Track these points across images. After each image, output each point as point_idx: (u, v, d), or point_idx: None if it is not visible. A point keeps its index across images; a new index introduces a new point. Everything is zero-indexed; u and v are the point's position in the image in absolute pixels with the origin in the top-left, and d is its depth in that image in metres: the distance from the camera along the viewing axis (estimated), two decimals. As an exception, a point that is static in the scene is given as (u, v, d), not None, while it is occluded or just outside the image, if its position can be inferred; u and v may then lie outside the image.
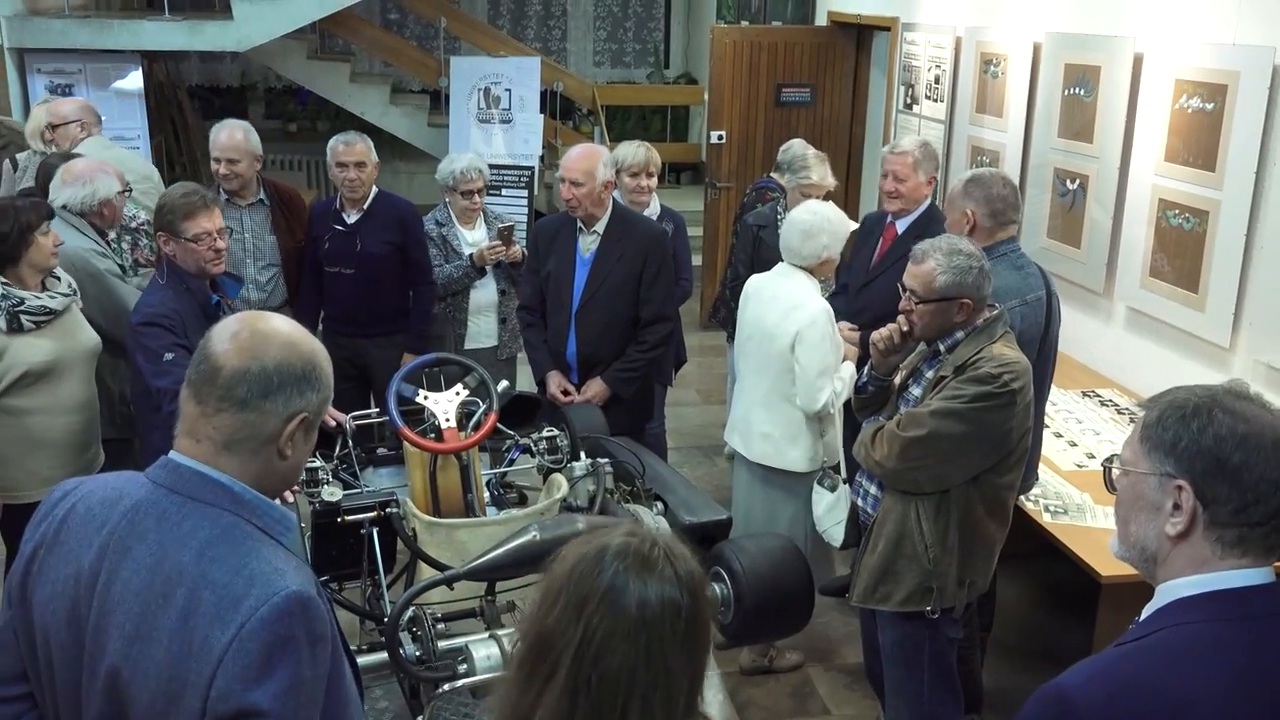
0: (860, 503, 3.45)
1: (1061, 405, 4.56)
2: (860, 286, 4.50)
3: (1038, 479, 3.84)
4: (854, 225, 4.11)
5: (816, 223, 3.95)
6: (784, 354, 3.92)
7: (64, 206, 4.09)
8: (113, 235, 4.24)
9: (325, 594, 1.63)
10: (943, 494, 3.11)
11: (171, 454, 1.65)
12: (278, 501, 1.73)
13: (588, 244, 4.35)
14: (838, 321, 4.40)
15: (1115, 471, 1.66)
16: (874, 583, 3.22)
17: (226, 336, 1.65)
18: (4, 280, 3.53)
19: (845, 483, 3.89)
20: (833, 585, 4.24)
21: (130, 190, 4.26)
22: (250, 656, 1.49)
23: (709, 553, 3.21)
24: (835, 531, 3.87)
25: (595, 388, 4.30)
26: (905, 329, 3.20)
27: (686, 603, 1.48)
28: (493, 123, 9.14)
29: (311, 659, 1.54)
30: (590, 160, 4.25)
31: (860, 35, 8.18)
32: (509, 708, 1.51)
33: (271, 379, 1.61)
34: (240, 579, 1.53)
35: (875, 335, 3.28)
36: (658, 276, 4.33)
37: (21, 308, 3.53)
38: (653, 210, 5.15)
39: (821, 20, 8.46)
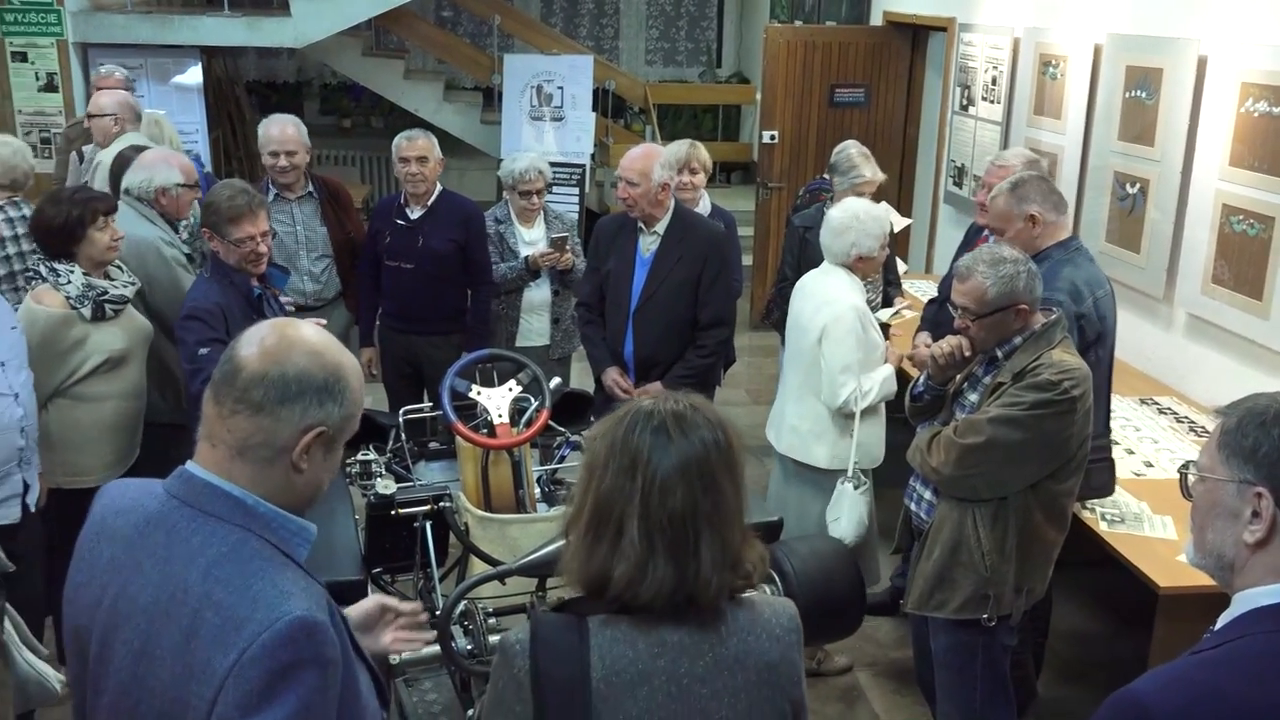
0: (914, 508, 3.42)
1: (1119, 413, 4.49)
2: (946, 298, 4.43)
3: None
4: (907, 221, 4.04)
5: (846, 220, 3.96)
6: (813, 348, 3.94)
7: (127, 191, 4.20)
8: (184, 229, 4.31)
9: (340, 617, 1.60)
10: (1000, 500, 3.08)
11: (188, 464, 1.62)
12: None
13: (647, 244, 4.36)
14: (921, 330, 4.36)
15: (1192, 478, 1.63)
16: (929, 589, 3.19)
17: (255, 340, 1.61)
18: (84, 271, 3.60)
19: (855, 487, 3.87)
20: (876, 602, 4.21)
21: (195, 185, 4.32)
22: (251, 683, 1.43)
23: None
24: (833, 528, 3.86)
25: (654, 390, 4.30)
26: (967, 353, 3.17)
27: (721, 436, 1.71)
28: (544, 120, 9.17)
29: (319, 685, 1.48)
30: (647, 161, 4.24)
31: (916, 36, 8.11)
32: (584, 569, 1.69)
33: (290, 385, 1.56)
34: (244, 601, 1.48)
35: (935, 349, 3.25)
36: (716, 279, 4.32)
37: (105, 297, 3.61)
38: (702, 209, 5.13)
39: (876, 20, 8.39)
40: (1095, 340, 3.48)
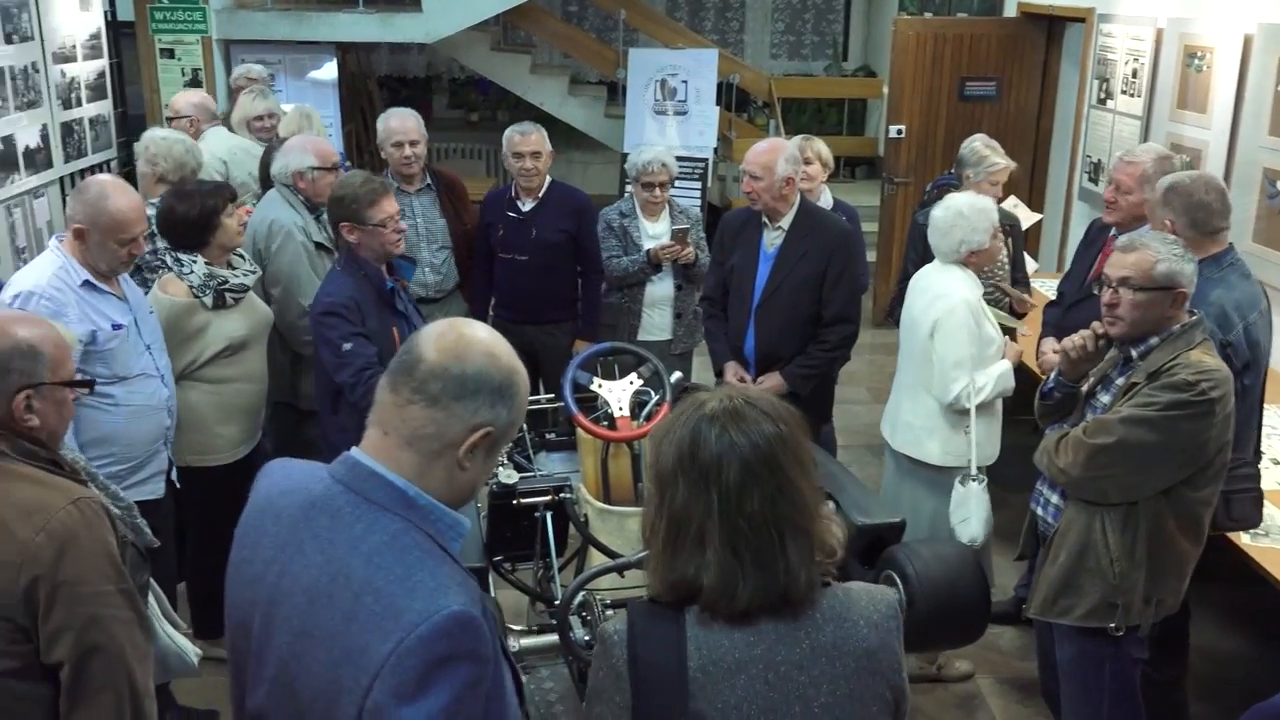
0: (1040, 511, 3.33)
1: (1264, 421, 4.28)
2: (1074, 301, 4.23)
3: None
4: (1036, 217, 3.89)
5: (949, 218, 3.87)
6: (925, 343, 3.87)
7: (274, 177, 4.42)
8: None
9: (491, 615, 1.62)
10: (1130, 505, 2.97)
11: (353, 450, 1.65)
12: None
13: (771, 239, 4.31)
14: (1045, 335, 4.24)
15: None
16: (1054, 595, 3.10)
17: (434, 336, 1.65)
18: (207, 261, 3.74)
19: (977, 482, 3.77)
20: (1000, 610, 4.10)
21: (333, 168, 4.45)
22: (407, 673, 1.46)
23: (881, 555, 3.16)
24: (962, 529, 3.75)
25: (772, 381, 4.27)
26: (1100, 335, 3.07)
27: (784, 430, 1.70)
28: (668, 114, 9.18)
29: (471, 680, 1.51)
30: (771, 155, 4.19)
31: (1051, 27, 7.88)
32: (665, 579, 1.70)
33: (467, 383, 1.60)
34: (403, 590, 1.51)
35: (1066, 342, 3.15)
36: (841, 276, 4.26)
37: (226, 286, 3.75)
38: (823, 203, 5.07)
39: (1010, 11, 8.18)
40: (1243, 369, 3.29)
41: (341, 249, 3.89)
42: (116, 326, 3.33)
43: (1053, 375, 3.30)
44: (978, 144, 5.03)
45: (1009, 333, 4.23)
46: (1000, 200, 5.02)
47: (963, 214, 3.86)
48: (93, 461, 3.25)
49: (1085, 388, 3.20)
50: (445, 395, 1.59)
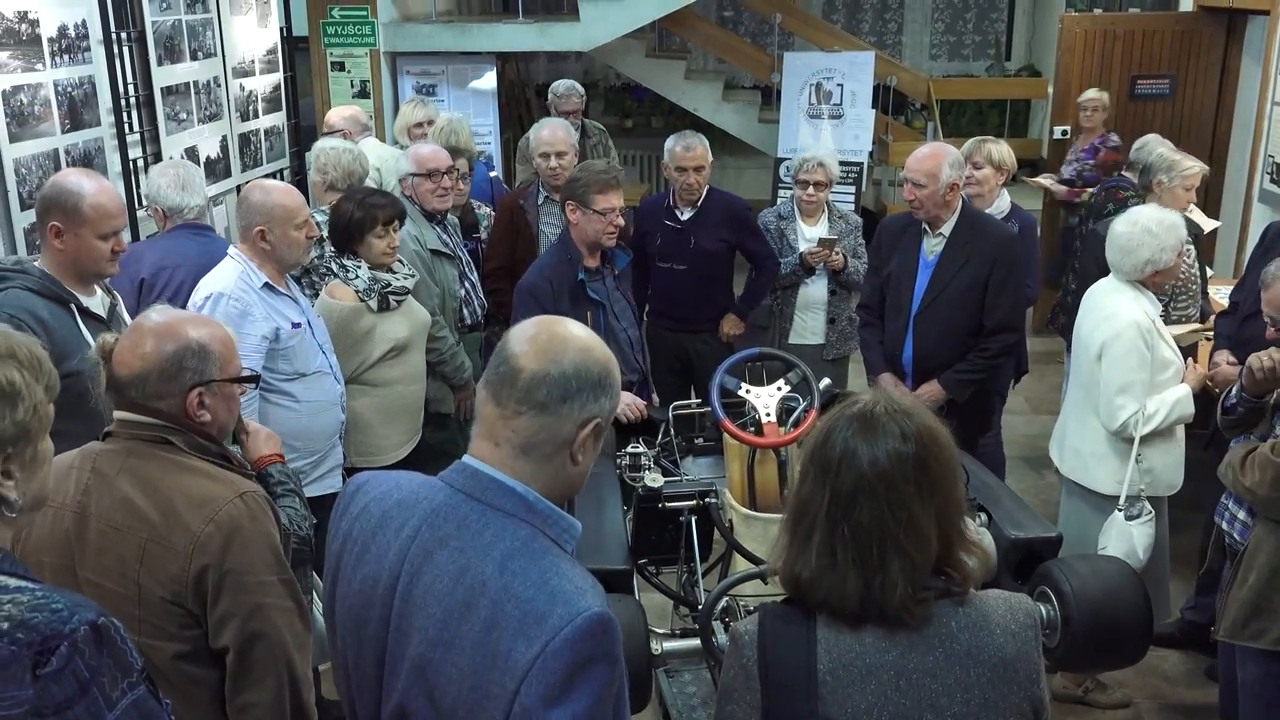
0: (1226, 528, 3.18)
1: None
2: (1249, 314, 3.96)
3: None
4: (1215, 224, 3.70)
5: (1136, 235, 3.64)
6: (1093, 366, 3.70)
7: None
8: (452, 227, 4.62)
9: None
10: None
11: (467, 458, 1.69)
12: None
13: (932, 246, 4.20)
14: (1218, 348, 4.02)
15: None
16: (1244, 618, 2.96)
17: (525, 339, 1.67)
18: (371, 266, 3.88)
19: (1129, 517, 3.58)
20: (1163, 633, 3.91)
21: (435, 174, 4.52)
22: (554, 676, 1.49)
23: (1036, 571, 3.06)
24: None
25: (930, 389, 4.17)
26: None
27: (913, 451, 1.66)
28: (822, 118, 9.07)
29: (609, 680, 1.54)
30: (934, 161, 4.06)
31: (1232, 21, 7.49)
32: (783, 568, 1.75)
33: (570, 383, 1.62)
34: (543, 595, 1.54)
35: (1253, 360, 2.99)
36: (1005, 283, 4.11)
37: (389, 289, 3.88)
38: (1000, 207, 4.87)
39: (1187, 6, 7.81)
40: None
41: (564, 226, 4.09)
42: (295, 325, 3.50)
43: (1234, 390, 3.14)
44: (1163, 149, 4.81)
45: (1191, 351, 4.01)
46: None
47: (1151, 231, 3.63)
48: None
49: (1272, 398, 3.04)
50: (552, 399, 1.63)
